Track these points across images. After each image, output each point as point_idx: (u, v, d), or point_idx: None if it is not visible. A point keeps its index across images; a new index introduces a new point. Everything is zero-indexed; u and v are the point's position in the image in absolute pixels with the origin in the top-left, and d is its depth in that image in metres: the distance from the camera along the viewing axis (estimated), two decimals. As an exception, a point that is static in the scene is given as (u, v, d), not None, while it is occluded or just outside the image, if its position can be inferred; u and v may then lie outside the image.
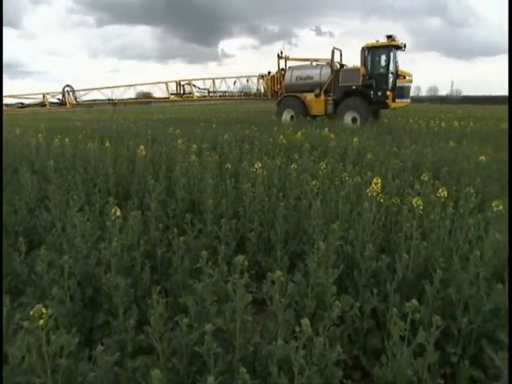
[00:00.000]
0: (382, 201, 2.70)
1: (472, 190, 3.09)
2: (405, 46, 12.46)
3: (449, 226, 2.38)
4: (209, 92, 15.27)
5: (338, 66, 13.63)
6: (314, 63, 14.37)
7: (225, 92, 15.46)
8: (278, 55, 14.55)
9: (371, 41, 12.34)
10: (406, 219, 2.45)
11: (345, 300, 1.97)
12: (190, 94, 14.95)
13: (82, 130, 9.60)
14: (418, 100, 57.86)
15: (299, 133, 6.83)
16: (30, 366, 1.29)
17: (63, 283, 1.82)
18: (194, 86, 14.99)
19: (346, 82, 12.69)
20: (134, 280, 2.22)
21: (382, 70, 12.29)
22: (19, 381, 1.30)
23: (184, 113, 23.80)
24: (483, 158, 4.22)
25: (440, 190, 2.54)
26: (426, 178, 3.43)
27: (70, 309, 1.81)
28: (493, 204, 2.31)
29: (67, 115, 19.79)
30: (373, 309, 2.02)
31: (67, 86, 14.38)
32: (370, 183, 2.60)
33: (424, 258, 2.25)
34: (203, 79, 15.34)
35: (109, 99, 14.62)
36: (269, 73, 15.10)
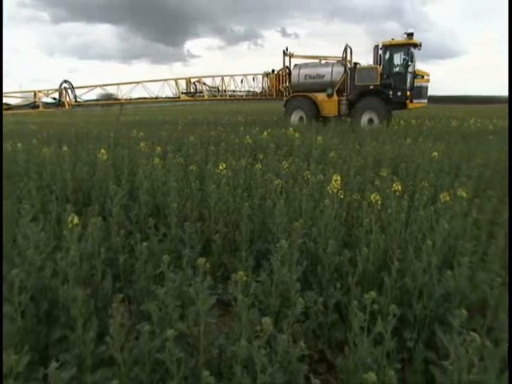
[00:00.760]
0: (342, 197, 2.78)
1: (426, 184, 3.27)
2: (420, 45, 11.65)
3: (404, 219, 2.50)
4: (218, 91, 13.98)
5: (349, 64, 12.41)
6: (323, 61, 13.17)
7: (233, 91, 14.31)
8: (284, 52, 13.30)
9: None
10: (366, 214, 2.54)
11: (308, 296, 2.01)
12: (201, 93, 13.55)
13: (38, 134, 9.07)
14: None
15: (265, 132, 6.89)
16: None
17: (13, 299, 1.71)
18: (204, 83, 13.63)
19: (362, 82, 11.80)
20: (94, 290, 2.13)
21: (400, 69, 11.52)
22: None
23: (150, 115, 23.16)
24: (436, 153, 4.47)
25: (394, 185, 2.67)
26: (385, 174, 3.58)
27: (22, 326, 1.70)
28: (440, 196, 2.46)
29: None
30: (336, 303, 2.08)
31: (65, 81, 11.65)
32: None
33: (383, 250, 2.35)
34: (212, 76, 14.01)
35: (115, 98, 12.80)
36: (273, 71, 13.99)
